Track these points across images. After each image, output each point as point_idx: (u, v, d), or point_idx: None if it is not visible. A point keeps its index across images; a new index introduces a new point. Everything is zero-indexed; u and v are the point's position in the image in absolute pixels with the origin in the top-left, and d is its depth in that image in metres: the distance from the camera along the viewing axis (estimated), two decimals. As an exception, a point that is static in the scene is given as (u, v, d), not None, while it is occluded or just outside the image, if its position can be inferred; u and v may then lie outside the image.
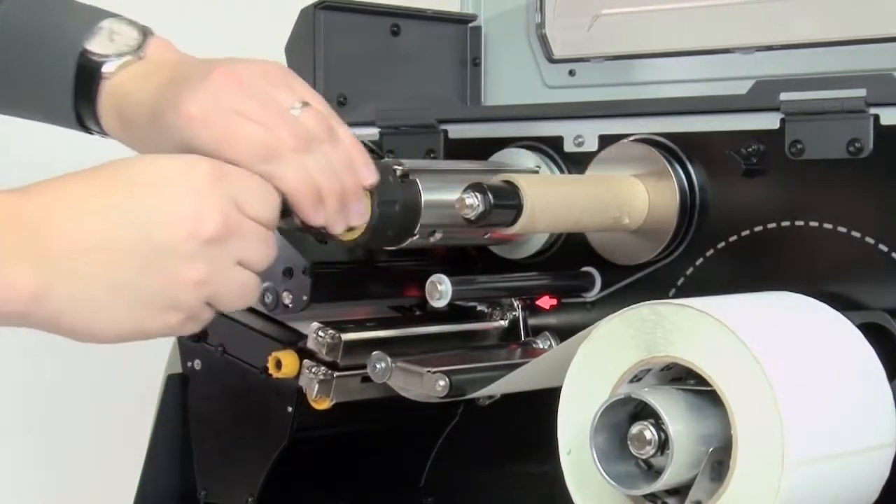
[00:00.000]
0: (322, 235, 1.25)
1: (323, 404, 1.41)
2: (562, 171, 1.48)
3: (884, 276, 1.28)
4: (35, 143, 1.98)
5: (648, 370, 1.20)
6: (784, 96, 1.32)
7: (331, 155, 1.18)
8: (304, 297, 1.41)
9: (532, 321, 1.48)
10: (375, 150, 1.59)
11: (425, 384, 1.32)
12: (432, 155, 1.56)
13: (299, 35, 1.66)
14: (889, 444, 1.21)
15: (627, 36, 1.70)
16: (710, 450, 1.15)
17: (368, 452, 1.56)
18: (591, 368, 1.21)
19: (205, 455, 1.52)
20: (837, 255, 1.31)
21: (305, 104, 1.17)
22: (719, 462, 1.15)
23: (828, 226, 1.32)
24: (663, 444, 1.14)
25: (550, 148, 1.48)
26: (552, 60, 1.74)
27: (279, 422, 1.45)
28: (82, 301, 1.03)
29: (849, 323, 1.25)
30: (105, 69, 1.24)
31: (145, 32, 1.28)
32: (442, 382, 1.31)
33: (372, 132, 1.60)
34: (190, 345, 1.52)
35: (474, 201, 1.28)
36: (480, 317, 1.50)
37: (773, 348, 1.15)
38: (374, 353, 1.36)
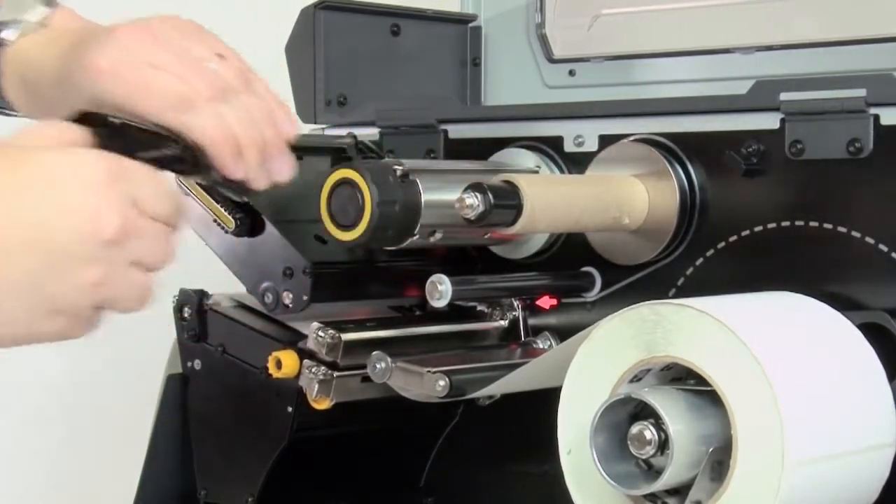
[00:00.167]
0: (242, 190, 1.21)
1: (323, 404, 1.41)
2: (562, 171, 1.48)
3: (884, 276, 1.28)
4: None
5: (648, 370, 1.20)
6: (784, 96, 1.32)
7: (249, 106, 1.14)
8: (304, 297, 1.41)
9: (532, 321, 1.48)
10: (375, 151, 1.59)
11: (425, 384, 1.32)
12: (432, 155, 1.56)
13: (299, 35, 1.66)
14: (889, 444, 1.21)
15: (627, 36, 1.70)
16: (710, 450, 1.15)
17: (368, 452, 1.56)
18: (591, 368, 1.21)
19: (205, 455, 1.52)
20: (837, 255, 1.31)
21: (221, 57, 1.14)
22: (719, 462, 1.15)
23: (828, 226, 1.32)
24: (663, 444, 1.14)
25: (550, 148, 1.48)
26: (552, 60, 1.74)
27: (279, 422, 1.45)
28: None
29: (849, 323, 1.25)
30: (5, 35, 1.21)
31: (49, 2, 1.26)
32: (442, 382, 1.31)
33: (372, 132, 1.60)
34: (190, 345, 1.52)
35: (474, 201, 1.28)
36: (480, 317, 1.50)
37: (773, 348, 1.15)
38: (374, 353, 1.36)
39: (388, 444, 1.57)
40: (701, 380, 1.16)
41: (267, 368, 1.42)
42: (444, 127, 1.56)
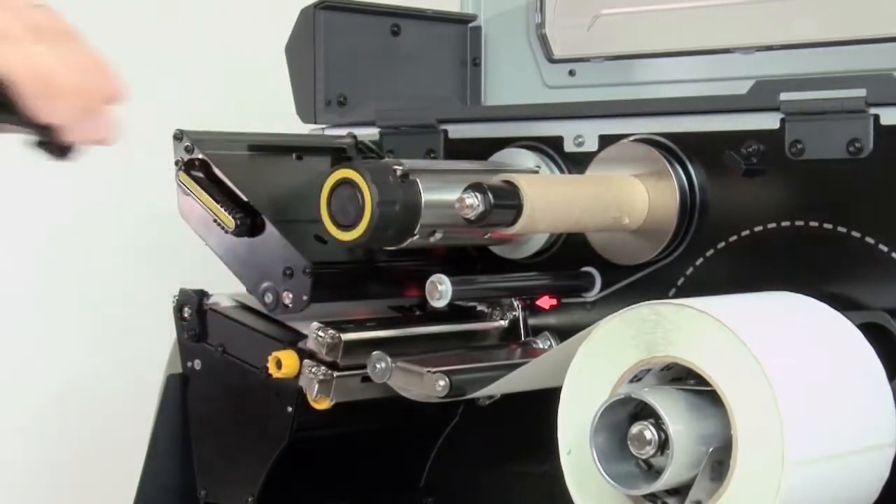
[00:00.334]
0: (56, 145, 1.15)
1: (323, 404, 1.41)
2: (562, 171, 1.48)
3: (884, 276, 1.28)
4: None
5: (648, 370, 1.20)
6: (784, 96, 1.33)
7: (68, 53, 1.10)
8: (304, 297, 1.41)
9: (532, 321, 1.48)
10: (375, 151, 1.59)
11: (425, 384, 1.32)
12: (432, 155, 1.56)
13: (299, 35, 1.66)
14: (889, 444, 1.21)
15: (627, 36, 1.70)
16: (710, 450, 1.15)
17: (368, 452, 1.56)
18: (591, 368, 1.21)
19: (205, 455, 1.52)
20: (837, 255, 1.31)
21: (41, 6, 1.10)
22: (719, 462, 1.15)
23: (828, 226, 1.32)
24: (663, 444, 1.14)
25: (550, 148, 1.49)
26: (552, 60, 1.74)
27: (279, 422, 1.45)
28: None
29: (849, 323, 1.25)
30: None
31: None
32: (442, 382, 1.31)
33: (372, 132, 1.60)
34: (190, 345, 1.52)
35: (474, 201, 1.28)
36: (480, 317, 1.50)
37: (773, 348, 1.15)
38: (374, 353, 1.36)
39: (388, 444, 1.57)
40: (701, 380, 1.16)
41: (267, 368, 1.42)
42: (444, 127, 1.56)
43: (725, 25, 1.63)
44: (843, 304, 1.27)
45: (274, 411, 1.45)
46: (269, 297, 1.43)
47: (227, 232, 1.45)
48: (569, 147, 1.48)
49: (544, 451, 1.28)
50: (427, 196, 1.37)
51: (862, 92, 1.29)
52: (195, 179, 1.47)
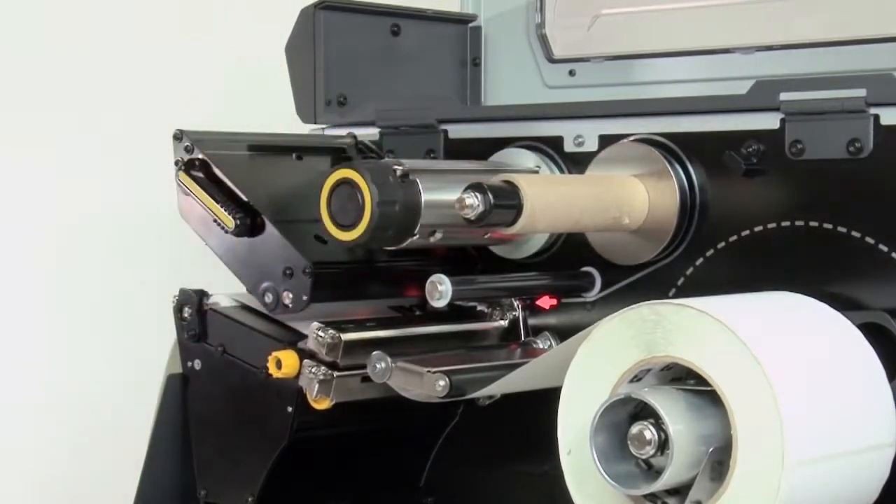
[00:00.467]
0: None
1: (323, 404, 1.41)
2: (562, 171, 1.48)
3: (884, 276, 1.28)
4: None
5: (648, 370, 1.20)
6: (784, 96, 1.33)
7: None
8: (304, 297, 1.41)
9: (532, 321, 1.48)
10: (375, 151, 1.59)
11: (425, 384, 1.32)
12: (432, 155, 1.56)
13: (299, 35, 1.66)
14: (889, 444, 1.21)
15: (627, 36, 1.70)
16: (710, 450, 1.15)
17: (368, 452, 1.56)
18: (591, 368, 1.21)
19: (205, 455, 1.52)
20: (837, 255, 1.31)
21: None
22: (719, 462, 1.15)
23: (828, 226, 1.32)
24: (663, 444, 1.14)
25: (550, 148, 1.49)
26: (552, 60, 1.74)
27: (279, 422, 1.45)
28: None
29: (849, 323, 1.25)
30: None
31: None
32: (442, 382, 1.31)
33: (372, 132, 1.60)
34: (190, 345, 1.52)
35: (474, 201, 1.28)
36: (480, 317, 1.50)
37: (773, 348, 1.15)
38: (374, 353, 1.36)
39: (388, 444, 1.57)
40: (701, 380, 1.16)
41: (267, 368, 1.42)
42: (444, 127, 1.56)
43: (725, 25, 1.63)
44: (843, 304, 1.27)
45: (274, 411, 1.45)
46: (269, 297, 1.44)
47: (227, 232, 1.45)
48: (569, 147, 1.48)
49: (544, 451, 1.28)
50: (427, 196, 1.37)
51: (862, 92, 1.29)
52: (195, 179, 1.47)
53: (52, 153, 1.98)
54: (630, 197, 1.39)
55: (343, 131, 1.61)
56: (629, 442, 1.16)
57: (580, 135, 1.47)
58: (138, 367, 1.82)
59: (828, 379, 1.19)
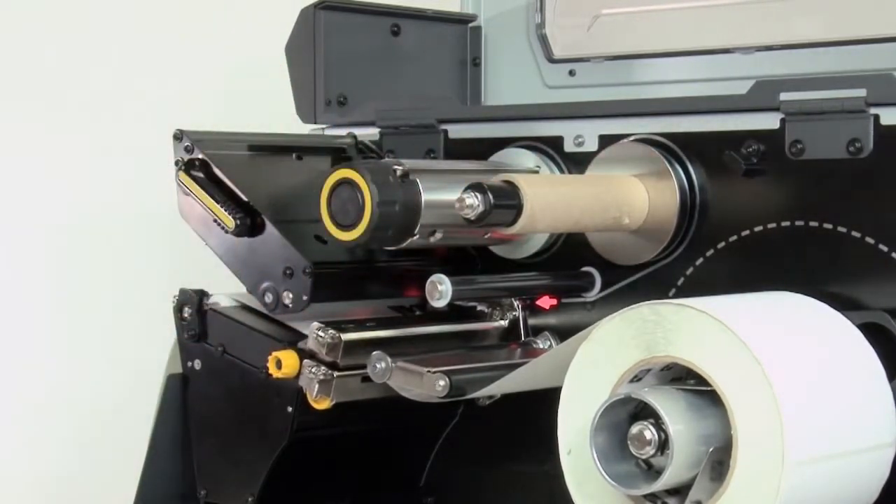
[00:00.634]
0: None
1: (323, 404, 1.41)
2: (562, 171, 1.48)
3: (884, 276, 1.28)
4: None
5: (648, 370, 1.20)
6: (784, 96, 1.33)
7: None
8: (304, 297, 1.41)
9: (532, 321, 1.48)
10: (375, 151, 1.59)
11: (425, 384, 1.32)
12: (432, 155, 1.56)
13: (299, 35, 1.66)
14: (889, 444, 1.21)
15: (627, 36, 1.70)
16: (710, 450, 1.15)
17: (368, 452, 1.56)
18: (591, 368, 1.21)
19: (205, 455, 1.52)
20: (837, 255, 1.31)
21: None
22: (719, 462, 1.15)
23: (828, 226, 1.32)
24: (663, 444, 1.14)
25: (550, 148, 1.49)
26: (552, 60, 1.74)
27: (279, 422, 1.45)
28: None
29: (849, 323, 1.25)
30: None
31: None
32: (442, 382, 1.31)
33: (372, 132, 1.60)
34: (190, 345, 1.52)
35: (474, 201, 1.28)
36: (480, 317, 1.50)
37: (773, 348, 1.15)
38: (374, 353, 1.36)
39: (388, 444, 1.57)
40: (701, 380, 1.16)
41: (267, 368, 1.42)
42: (444, 127, 1.56)
43: (725, 25, 1.63)
44: (843, 304, 1.27)
45: (274, 411, 1.45)
46: (269, 297, 1.44)
47: (227, 232, 1.45)
48: (569, 147, 1.48)
49: (544, 451, 1.28)
50: (427, 196, 1.37)
51: (862, 92, 1.29)
52: (195, 179, 1.47)
53: (53, 153, 1.98)
54: (630, 197, 1.39)
55: (343, 131, 1.61)
56: (629, 442, 1.16)
57: (580, 135, 1.47)
58: (138, 367, 1.82)
59: (828, 379, 1.19)
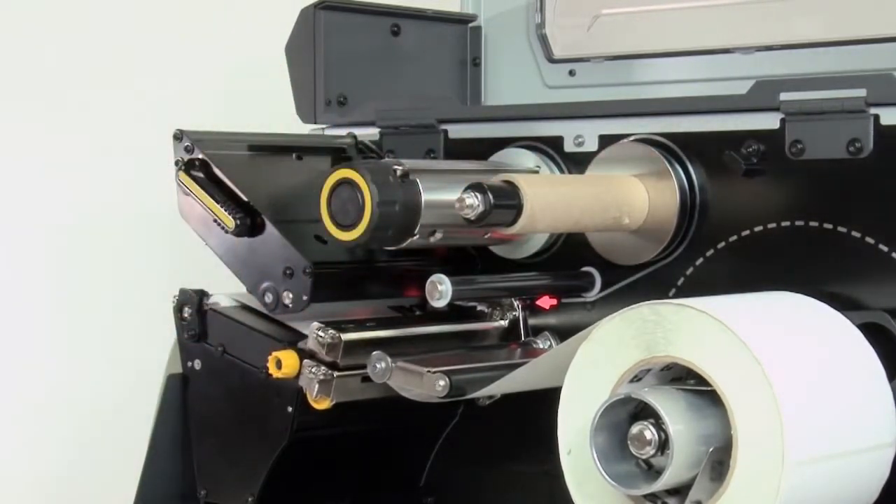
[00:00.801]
0: None
1: (323, 404, 1.41)
2: (562, 171, 1.48)
3: (884, 276, 1.28)
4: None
5: (648, 370, 1.19)
6: (784, 96, 1.32)
7: None
8: (304, 297, 1.41)
9: (532, 321, 1.48)
10: (375, 151, 1.59)
11: (425, 384, 1.32)
12: (432, 155, 1.56)
13: (299, 35, 1.66)
14: (889, 444, 1.21)
15: (627, 36, 1.70)
16: (710, 450, 1.15)
17: (368, 452, 1.56)
18: (591, 368, 1.21)
19: (205, 455, 1.52)
20: (837, 255, 1.31)
21: None
22: (719, 462, 1.15)
23: (828, 226, 1.32)
24: (663, 444, 1.14)
25: (550, 148, 1.49)
26: (552, 60, 1.74)
27: (279, 422, 1.45)
28: None
29: (849, 323, 1.25)
30: None
31: None
32: (442, 382, 1.31)
33: (372, 132, 1.60)
34: (190, 345, 1.52)
35: (474, 201, 1.28)
36: (480, 317, 1.50)
37: (773, 348, 1.15)
38: (374, 353, 1.36)
39: (388, 444, 1.57)
40: (701, 380, 1.16)
41: (267, 368, 1.42)
42: (444, 127, 1.56)
43: (725, 25, 1.63)
44: (843, 304, 1.27)
45: (274, 411, 1.45)
46: (269, 297, 1.44)
47: (227, 232, 1.45)
48: (569, 147, 1.48)
49: (544, 451, 1.28)
50: (427, 196, 1.37)
51: (862, 92, 1.29)
52: (195, 179, 1.47)
53: (53, 153, 1.98)
54: (630, 197, 1.39)
55: (343, 131, 1.61)
56: (629, 442, 1.16)
57: (580, 135, 1.47)
58: (138, 367, 1.82)
59: (828, 379, 1.19)
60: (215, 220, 1.45)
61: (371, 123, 1.60)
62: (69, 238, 1.99)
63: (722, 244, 1.38)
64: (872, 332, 1.25)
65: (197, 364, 1.52)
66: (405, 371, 1.34)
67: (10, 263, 1.96)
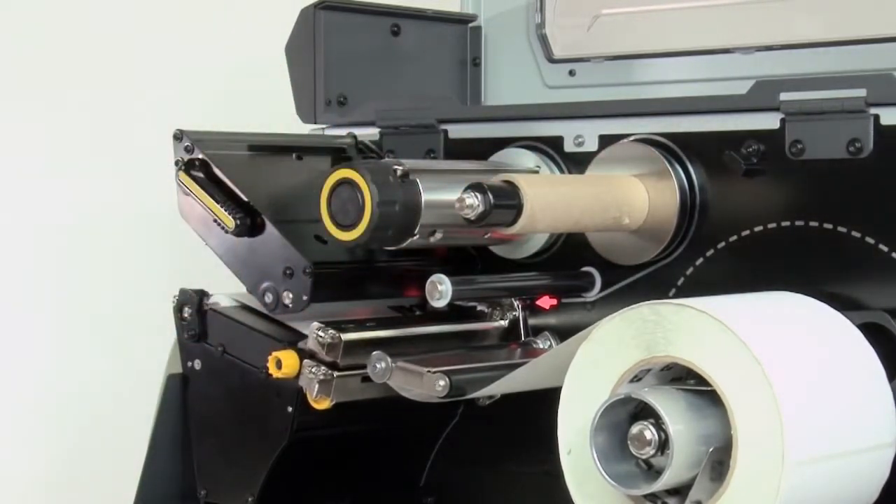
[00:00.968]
0: None
1: (323, 404, 1.41)
2: (562, 171, 1.48)
3: (884, 276, 1.28)
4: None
5: (648, 370, 1.20)
6: (784, 96, 1.32)
7: None
8: (304, 297, 1.41)
9: (532, 321, 1.48)
10: (375, 151, 1.59)
11: (425, 384, 1.32)
12: (432, 155, 1.56)
13: (299, 35, 1.66)
14: (889, 444, 1.21)
15: (627, 36, 1.70)
16: (710, 450, 1.15)
17: (368, 452, 1.56)
18: (591, 368, 1.21)
19: (205, 455, 1.52)
20: (837, 255, 1.31)
21: None
22: (719, 462, 1.15)
23: (828, 226, 1.32)
24: (663, 444, 1.14)
25: (550, 148, 1.49)
26: (552, 60, 1.74)
27: (279, 422, 1.45)
28: None
29: (849, 323, 1.25)
30: None
31: None
32: (442, 382, 1.31)
33: (372, 132, 1.60)
34: (190, 345, 1.52)
35: (474, 201, 1.28)
36: (480, 317, 1.50)
37: (773, 348, 1.15)
38: (374, 353, 1.36)
39: (388, 444, 1.56)
40: (701, 380, 1.16)
41: (267, 368, 1.42)
42: (444, 127, 1.56)
43: (725, 25, 1.63)
44: (843, 304, 1.27)
45: (274, 411, 1.45)
46: (269, 297, 1.43)
47: (227, 232, 1.45)
48: (569, 147, 1.48)
49: (544, 451, 1.28)
50: (427, 196, 1.37)
51: (862, 92, 1.29)
52: (195, 179, 1.47)
53: (53, 153, 1.98)
54: (630, 197, 1.39)
55: (343, 131, 1.61)
56: (629, 442, 1.16)
57: (580, 135, 1.47)
58: (138, 367, 1.82)
59: (828, 379, 1.19)
60: (215, 220, 1.45)
61: (371, 123, 1.60)
62: (69, 238, 1.99)
63: (722, 244, 1.38)
64: (872, 332, 1.25)
65: (197, 364, 1.52)
66: (405, 371, 1.34)
67: (10, 263, 1.97)
